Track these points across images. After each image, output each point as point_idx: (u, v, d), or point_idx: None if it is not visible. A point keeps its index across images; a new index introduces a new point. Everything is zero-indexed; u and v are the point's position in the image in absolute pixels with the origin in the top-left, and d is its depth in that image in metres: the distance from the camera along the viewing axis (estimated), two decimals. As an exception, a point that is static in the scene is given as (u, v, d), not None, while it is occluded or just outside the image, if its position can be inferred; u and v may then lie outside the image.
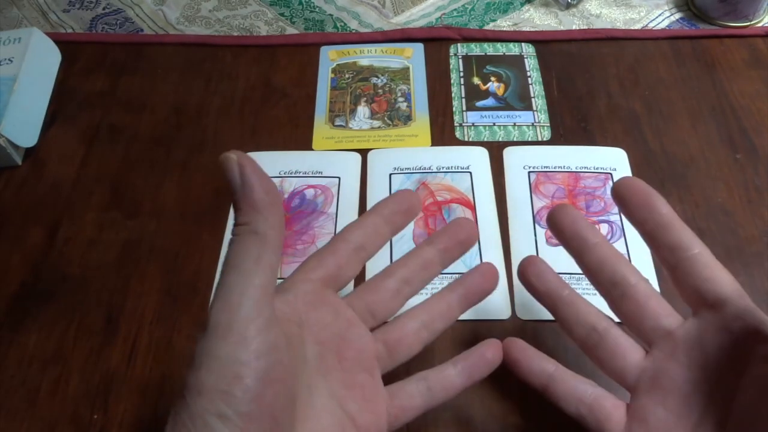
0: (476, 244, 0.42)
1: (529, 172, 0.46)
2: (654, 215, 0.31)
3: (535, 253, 0.42)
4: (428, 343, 0.32)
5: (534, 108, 0.50)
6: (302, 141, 0.48)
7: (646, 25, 0.56)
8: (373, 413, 0.29)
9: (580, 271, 0.41)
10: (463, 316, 0.40)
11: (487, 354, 0.32)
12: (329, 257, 0.31)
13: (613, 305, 0.32)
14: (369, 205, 0.44)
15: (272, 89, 0.52)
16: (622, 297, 0.31)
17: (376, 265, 0.42)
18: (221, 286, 0.24)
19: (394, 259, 0.42)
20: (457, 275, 0.41)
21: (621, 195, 0.32)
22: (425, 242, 0.33)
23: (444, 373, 0.31)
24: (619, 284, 0.31)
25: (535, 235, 0.43)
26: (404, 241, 0.43)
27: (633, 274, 0.32)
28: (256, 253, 0.25)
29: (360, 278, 0.41)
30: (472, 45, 0.55)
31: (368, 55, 0.54)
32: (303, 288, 0.30)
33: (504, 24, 0.57)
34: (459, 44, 0.55)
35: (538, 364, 0.32)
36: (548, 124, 0.49)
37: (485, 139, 0.48)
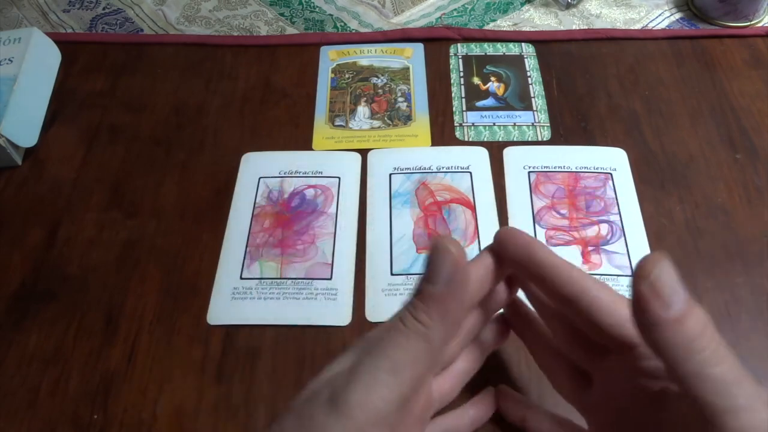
0: (477, 246, 0.42)
1: (529, 172, 0.46)
2: (534, 260, 0.29)
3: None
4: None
5: (534, 108, 0.50)
6: (302, 141, 0.48)
7: (646, 25, 0.56)
8: None
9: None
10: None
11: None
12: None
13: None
14: (369, 205, 0.45)
15: (272, 89, 0.52)
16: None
17: (377, 265, 0.42)
18: (370, 373, 0.24)
19: (394, 261, 0.42)
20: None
21: (501, 243, 0.30)
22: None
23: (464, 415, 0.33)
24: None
25: (535, 235, 0.43)
26: (404, 240, 0.43)
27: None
28: (412, 358, 0.24)
29: (360, 277, 0.41)
30: (472, 45, 0.55)
31: (368, 55, 0.54)
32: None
33: (504, 24, 0.57)
34: (459, 44, 0.55)
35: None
36: (548, 124, 0.49)
37: (485, 139, 0.48)
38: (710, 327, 0.24)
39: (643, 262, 0.24)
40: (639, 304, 0.24)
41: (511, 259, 0.29)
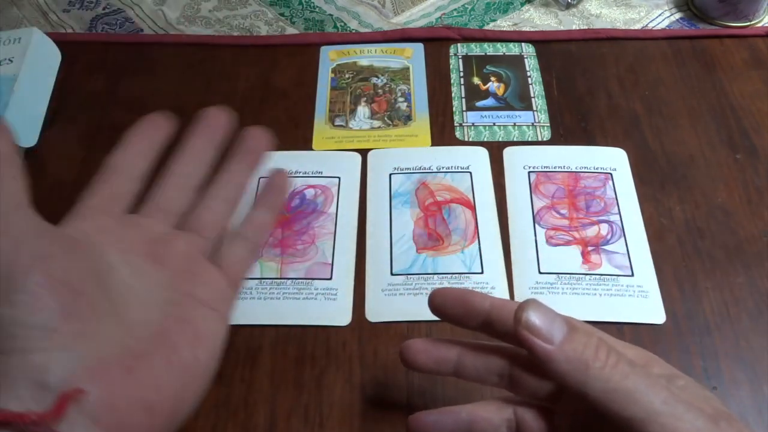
0: (477, 246, 0.42)
1: (529, 172, 0.46)
2: (474, 309, 0.29)
3: (534, 253, 0.42)
4: (232, 212, 0.34)
5: (534, 108, 0.50)
6: (302, 141, 0.48)
7: (646, 25, 0.56)
8: (209, 283, 0.30)
9: (581, 272, 0.41)
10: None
11: (277, 181, 0.36)
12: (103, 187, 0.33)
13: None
14: (369, 205, 0.45)
15: (272, 89, 0.52)
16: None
17: (376, 265, 0.42)
18: None
19: (394, 261, 0.42)
20: (456, 276, 0.41)
21: (437, 306, 0.30)
22: (193, 134, 0.35)
23: (251, 218, 0.34)
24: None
25: (535, 235, 0.43)
26: (404, 240, 0.43)
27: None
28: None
29: (361, 280, 0.41)
30: (472, 45, 0.55)
31: (368, 55, 0.54)
32: (82, 215, 0.31)
33: (504, 24, 0.57)
34: (459, 44, 0.55)
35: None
36: (548, 124, 0.49)
37: (485, 139, 0.48)
38: (604, 343, 0.25)
39: (516, 312, 0.26)
40: (528, 348, 0.25)
41: (450, 315, 0.30)
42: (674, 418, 0.23)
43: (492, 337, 0.30)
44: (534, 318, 0.25)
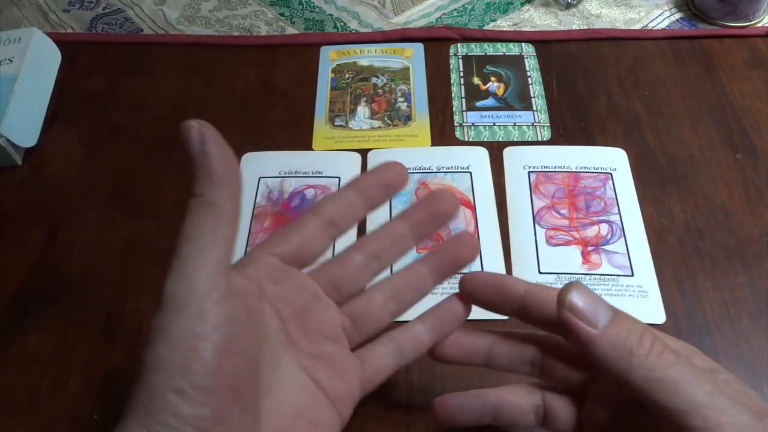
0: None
1: (529, 172, 0.46)
2: (510, 296, 0.29)
3: (534, 253, 0.42)
4: (397, 315, 0.31)
5: (534, 108, 0.50)
6: (302, 141, 0.48)
7: (646, 25, 0.56)
8: (344, 381, 0.29)
9: (581, 272, 0.41)
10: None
11: (455, 308, 0.30)
12: (294, 233, 0.30)
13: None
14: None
15: (272, 89, 0.52)
16: None
17: (376, 265, 0.42)
18: (176, 259, 0.24)
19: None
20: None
21: (469, 291, 0.30)
22: (398, 216, 0.32)
23: (412, 331, 0.30)
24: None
25: (535, 235, 0.43)
26: (404, 241, 0.43)
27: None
28: (212, 226, 0.24)
29: (360, 278, 0.41)
30: (472, 45, 0.55)
31: (368, 55, 0.54)
32: (264, 262, 0.29)
33: (504, 24, 0.57)
34: (459, 44, 0.55)
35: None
36: (548, 124, 0.49)
37: (485, 139, 0.48)
38: (649, 332, 0.25)
39: (559, 294, 0.25)
40: (571, 331, 0.25)
41: (484, 301, 0.29)
42: (718, 412, 0.23)
43: (526, 323, 0.29)
44: (578, 300, 0.25)
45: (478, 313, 0.40)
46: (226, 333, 0.23)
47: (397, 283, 0.31)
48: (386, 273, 0.32)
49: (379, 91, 0.52)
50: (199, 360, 0.22)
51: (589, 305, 0.25)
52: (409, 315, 0.32)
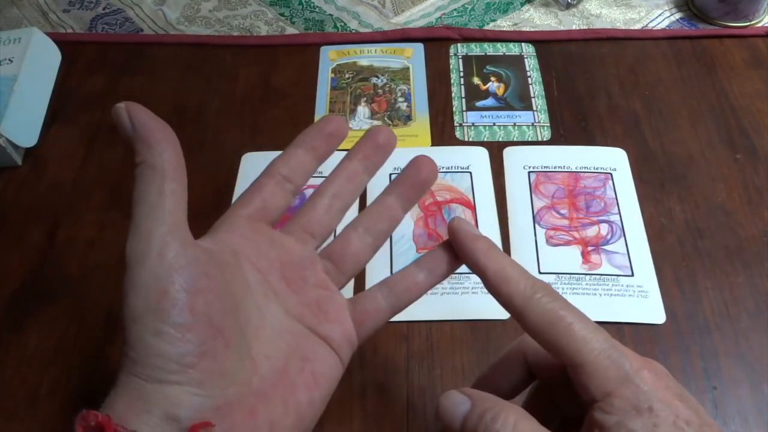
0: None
1: (529, 172, 0.46)
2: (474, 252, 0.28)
3: (534, 253, 0.42)
4: (377, 248, 0.32)
5: (534, 108, 0.50)
6: (302, 141, 0.48)
7: (646, 25, 0.56)
8: (336, 322, 0.30)
9: (581, 272, 0.41)
10: (462, 316, 0.40)
11: (447, 255, 0.30)
12: (255, 194, 0.31)
13: None
14: (369, 204, 0.44)
15: (272, 89, 0.52)
16: None
17: (376, 265, 0.42)
18: (131, 222, 0.25)
19: (394, 261, 0.42)
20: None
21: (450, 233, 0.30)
22: (346, 156, 0.33)
23: (404, 272, 0.31)
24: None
25: (535, 235, 0.43)
26: (404, 241, 0.43)
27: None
28: (157, 186, 0.25)
29: (360, 282, 0.41)
30: (472, 45, 0.55)
31: (368, 55, 0.54)
32: (233, 224, 0.30)
33: (504, 24, 0.57)
34: (459, 44, 0.55)
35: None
36: (548, 124, 0.49)
37: (485, 139, 0.48)
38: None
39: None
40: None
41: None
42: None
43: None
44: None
45: (478, 313, 0.40)
46: (191, 272, 0.25)
47: (369, 217, 0.32)
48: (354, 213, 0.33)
49: (379, 91, 0.52)
50: (169, 300, 0.24)
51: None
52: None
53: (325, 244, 0.32)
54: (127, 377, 0.23)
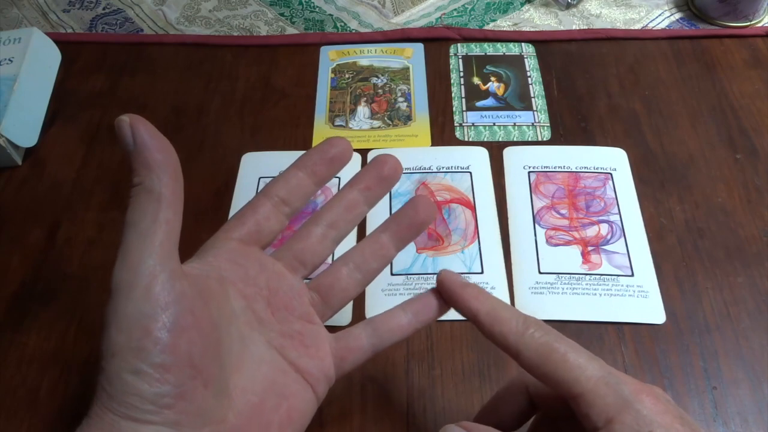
0: (477, 246, 0.42)
1: (529, 172, 0.46)
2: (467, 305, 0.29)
3: (534, 253, 0.42)
4: (366, 284, 0.32)
5: (534, 108, 0.50)
6: (302, 141, 0.48)
7: (646, 25, 0.56)
8: (316, 358, 0.29)
9: (581, 272, 0.41)
10: (462, 316, 0.40)
11: (433, 301, 0.31)
12: (249, 215, 0.31)
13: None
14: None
15: (272, 89, 0.52)
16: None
17: (376, 265, 0.42)
18: (121, 246, 0.25)
19: (394, 260, 0.42)
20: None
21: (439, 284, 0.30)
22: (347, 185, 0.33)
23: (389, 314, 0.31)
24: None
25: (535, 235, 0.43)
26: (404, 241, 0.43)
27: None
28: (152, 212, 0.25)
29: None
30: (472, 45, 0.55)
31: (368, 55, 0.54)
32: (224, 247, 0.30)
33: (504, 24, 0.57)
34: (459, 44, 0.55)
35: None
36: (548, 124, 0.49)
37: (485, 139, 0.48)
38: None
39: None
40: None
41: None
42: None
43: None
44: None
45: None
46: (176, 310, 0.24)
47: (361, 254, 0.32)
48: (350, 244, 0.33)
49: (379, 91, 0.52)
50: (151, 339, 0.23)
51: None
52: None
53: (315, 273, 0.32)
54: (102, 411, 0.23)
